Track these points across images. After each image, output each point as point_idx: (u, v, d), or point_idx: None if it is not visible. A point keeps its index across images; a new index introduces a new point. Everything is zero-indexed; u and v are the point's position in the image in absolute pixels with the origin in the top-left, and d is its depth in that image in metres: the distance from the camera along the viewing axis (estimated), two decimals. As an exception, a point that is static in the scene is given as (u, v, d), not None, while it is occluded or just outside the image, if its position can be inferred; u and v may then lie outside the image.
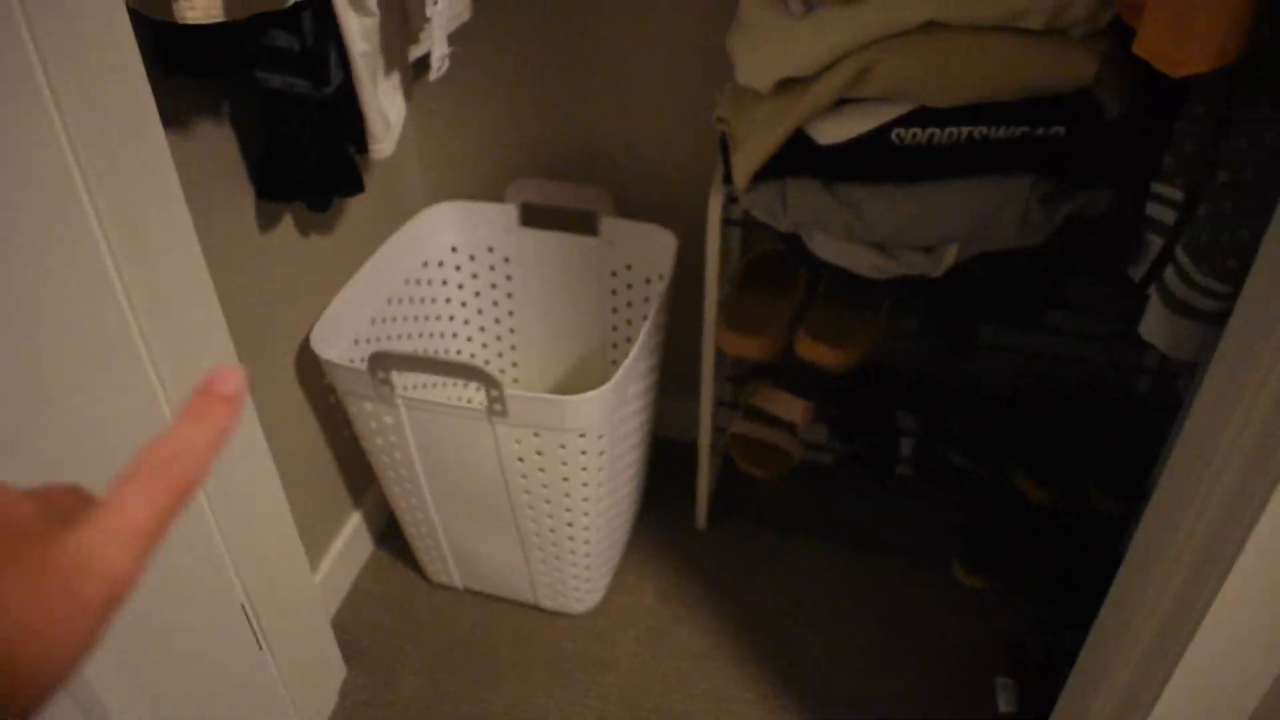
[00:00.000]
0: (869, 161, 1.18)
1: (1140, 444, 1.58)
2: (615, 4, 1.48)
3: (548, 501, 1.38)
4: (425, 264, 1.64)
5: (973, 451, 1.57)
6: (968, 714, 1.50)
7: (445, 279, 1.69)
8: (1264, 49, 0.91)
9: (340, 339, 1.42)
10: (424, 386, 1.67)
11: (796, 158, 1.20)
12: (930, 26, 1.08)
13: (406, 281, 1.59)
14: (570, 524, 1.41)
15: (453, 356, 1.75)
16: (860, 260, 1.26)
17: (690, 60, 1.50)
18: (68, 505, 0.33)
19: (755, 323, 1.46)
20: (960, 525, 1.70)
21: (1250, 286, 0.82)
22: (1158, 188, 1.15)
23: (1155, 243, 1.16)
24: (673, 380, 1.87)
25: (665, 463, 1.88)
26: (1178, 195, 1.12)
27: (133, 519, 0.32)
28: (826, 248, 1.28)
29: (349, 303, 1.45)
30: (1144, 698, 0.92)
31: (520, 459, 1.32)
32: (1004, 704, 1.47)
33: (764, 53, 1.16)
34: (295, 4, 1.09)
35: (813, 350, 1.41)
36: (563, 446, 1.30)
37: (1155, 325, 1.15)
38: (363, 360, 1.46)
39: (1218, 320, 1.10)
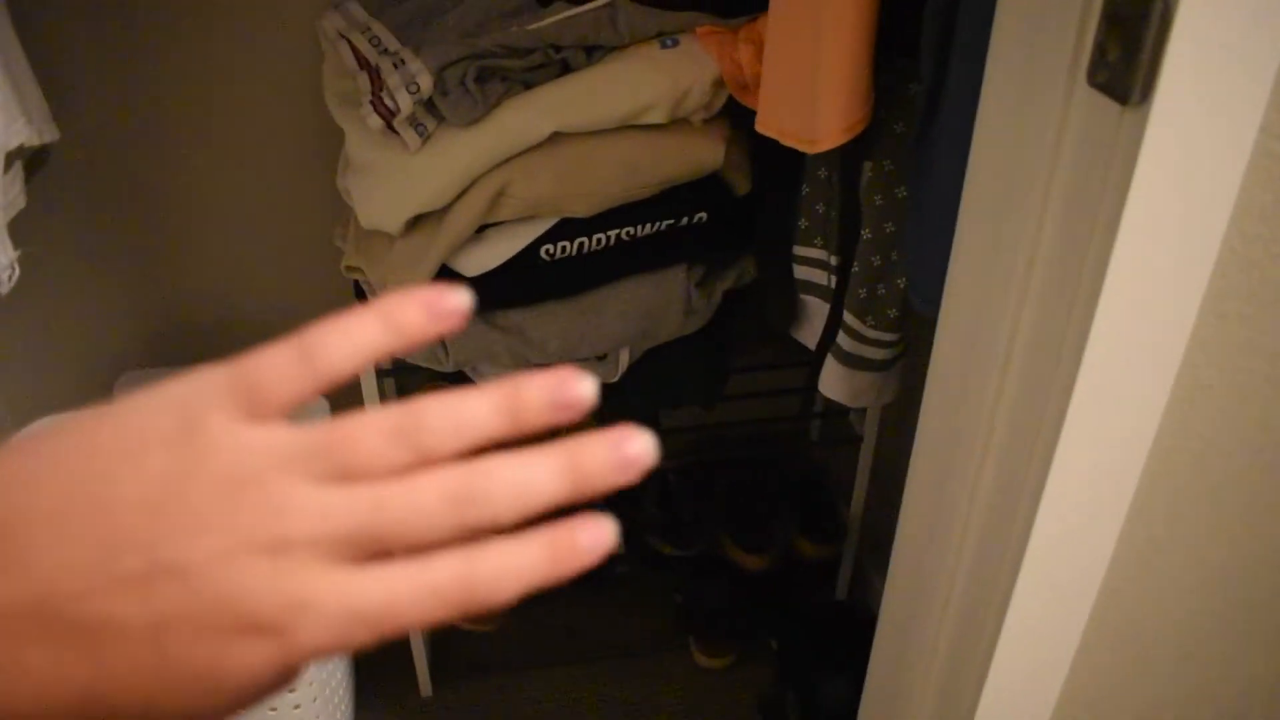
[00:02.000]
0: (523, 284, 1.12)
1: (823, 485, 1.64)
2: (202, 157, 1.32)
3: (253, 741, 1.18)
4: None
5: (677, 536, 1.54)
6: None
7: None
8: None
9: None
10: None
11: (446, 294, 1.11)
12: (557, 138, 1.03)
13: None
14: (286, 757, 1.21)
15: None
16: (536, 384, 1.19)
17: (302, 205, 1.38)
18: None
19: (437, 471, 1.34)
20: (686, 609, 1.67)
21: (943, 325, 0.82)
22: (800, 250, 1.18)
23: (813, 303, 1.19)
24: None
25: (366, 638, 1.70)
26: (822, 255, 1.15)
27: None
28: (498, 379, 1.20)
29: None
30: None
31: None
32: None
33: (387, 192, 1.06)
34: None
35: (506, 484, 1.31)
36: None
37: (833, 382, 1.17)
38: None
39: (887, 366, 1.15)
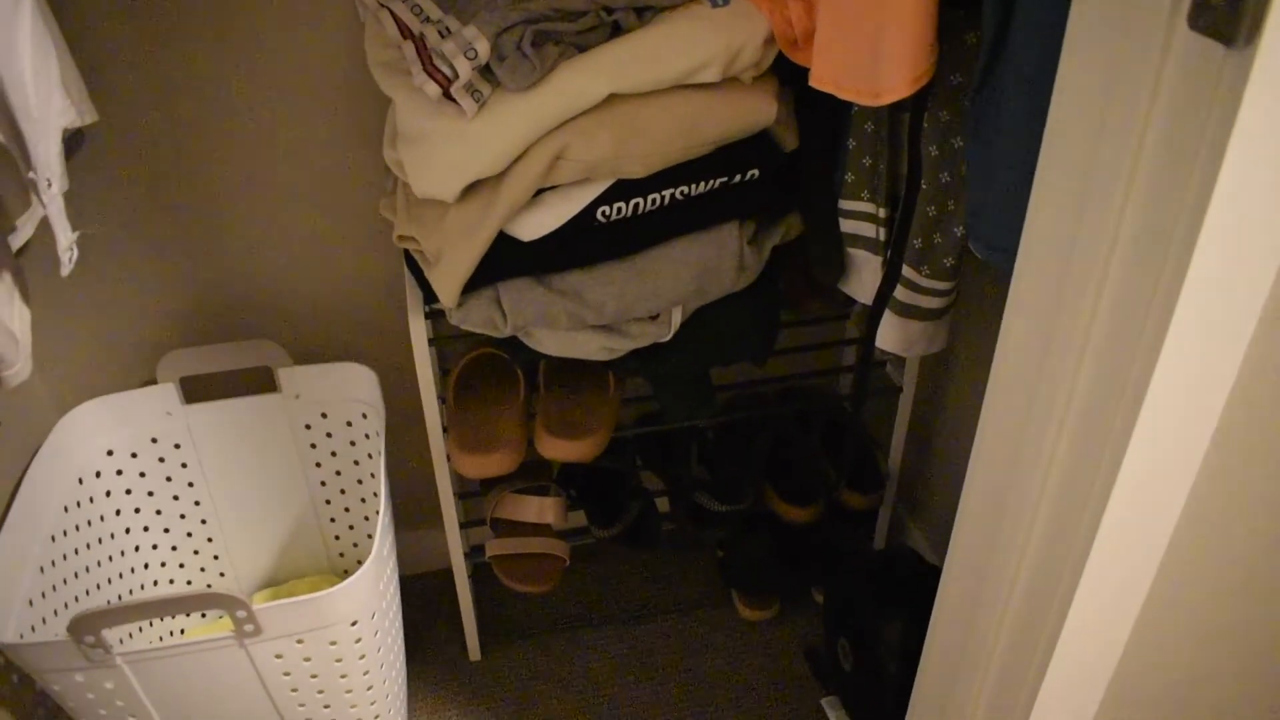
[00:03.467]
0: (579, 246, 1.12)
1: (863, 436, 1.66)
2: (241, 133, 1.32)
3: (327, 706, 1.20)
4: (81, 480, 1.37)
5: (724, 493, 1.56)
6: (802, 749, 1.49)
7: (109, 489, 1.42)
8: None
9: (9, 608, 1.14)
10: (138, 630, 1.41)
11: (503, 260, 1.12)
12: (613, 99, 1.04)
13: (66, 508, 1.32)
14: (359, 719, 1.24)
15: (167, 589, 1.49)
16: (591, 346, 1.20)
17: (344, 178, 1.37)
18: None
19: (488, 437, 1.35)
20: (728, 563, 1.70)
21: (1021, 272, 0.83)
22: (846, 204, 1.19)
23: (862, 256, 1.20)
24: (399, 512, 1.72)
25: (415, 600, 1.73)
26: (870, 208, 1.16)
27: None
28: (552, 342, 1.21)
29: (5, 560, 1.17)
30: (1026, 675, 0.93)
31: (286, 674, 1.13)
32: (837, 725, 1.47)
33: (443, 160, 1.06)
34: None
35: (558, 448, 1.33)
36: (334, 643, 1.12)
37: (887, 332, 1.18)
38: (46, 623, 1.19)
39: (940, 315, 1.16)
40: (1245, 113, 0.57)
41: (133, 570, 1.47)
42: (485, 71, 1.02)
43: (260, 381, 1.45)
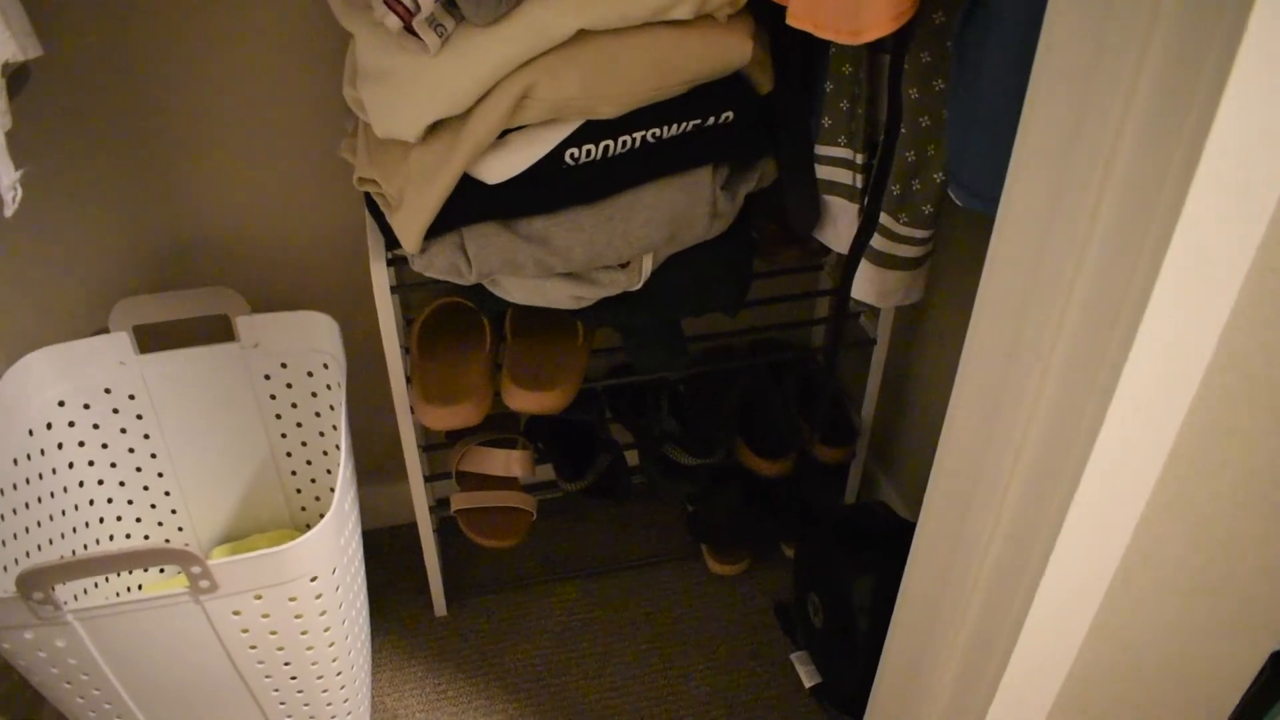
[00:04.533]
0: (547, 190, 1.08)
1: (836, 389, 1.64)
2: (196, 71, 1.26)
3: (287, 664, 1.17)
4: (31, 432, 1.32)
5: (694, 446, 1.54)
6: (776, 696, 1.48)
7: (61, 441, 1.38)
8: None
9: (-47, 562, 1.11)
10: (93, 587, 1.37)
11: (467, 204, 1.08)
12: (582, 36, 0.99)
13: (16, 461, 1.27)
14: (321, 676, 1.21)
15: (120, 544, 1.45)
16: (558, 294, 1.17)
17: (304, 119, 1.32)
18: None
19: (453, 388, 1.32)
20: (698, 518, 1.68)
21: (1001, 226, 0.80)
22: (822, 150, 1.15)
23: (838, 204, 1.17)
24: (362, 465, 1.68)
25: (379, 555, 1.70)
26: (847, 154, 1.13)
27: None
28: (519, 290, 1.17)
29: (-51, 513, 1.13)
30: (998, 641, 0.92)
31: (245, 631, 1.10)
32: (806, 678, 1.46)
33: (406, 98, 1.02)
34: None
35: (525, 399, 1.30)
36: (293, 599, 1.09)
37: (862, 282, 1.16)
38: (-8, 578, 1.16)
39: (917, 264, 1.13)
40: (1249, 40, 0.54)
41: (87, 525, 1.43)
42: (449, 4, 0.98)
43: (217, 330, 1.40)
